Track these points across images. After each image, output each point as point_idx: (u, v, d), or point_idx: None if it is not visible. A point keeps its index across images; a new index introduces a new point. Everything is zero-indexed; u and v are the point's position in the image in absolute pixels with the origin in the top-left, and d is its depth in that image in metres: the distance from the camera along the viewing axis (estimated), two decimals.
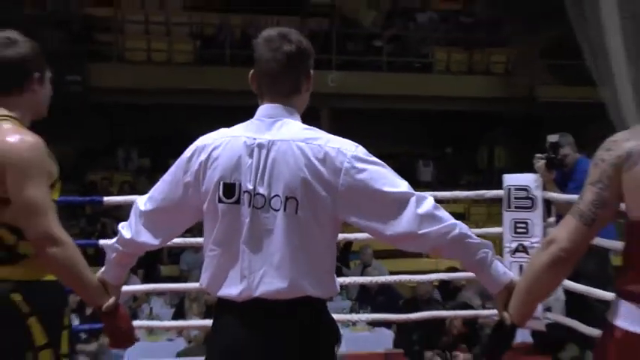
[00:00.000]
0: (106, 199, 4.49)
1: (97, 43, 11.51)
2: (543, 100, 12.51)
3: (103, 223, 9.73)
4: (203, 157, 1.83)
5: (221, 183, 1.81)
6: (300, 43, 1.83)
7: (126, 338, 2.18)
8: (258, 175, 1.80)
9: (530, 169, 4.87)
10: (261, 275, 1.82)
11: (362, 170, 1.75)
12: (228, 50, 11.81)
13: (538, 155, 4.66)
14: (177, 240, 3.92)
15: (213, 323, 1.98)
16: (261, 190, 1.80)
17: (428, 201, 1.81)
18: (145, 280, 8.12)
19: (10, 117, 2.13)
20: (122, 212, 9.21)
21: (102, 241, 3.42)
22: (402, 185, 1.78)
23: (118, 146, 12.69)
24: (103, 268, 2.06)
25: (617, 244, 4.24)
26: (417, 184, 9.15)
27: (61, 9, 11.63)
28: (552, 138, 4.36)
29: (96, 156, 11.84)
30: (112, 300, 2.05)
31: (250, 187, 1.80)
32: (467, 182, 12.64)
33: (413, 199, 1.78)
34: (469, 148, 14.58)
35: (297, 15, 12.51)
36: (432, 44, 13.16)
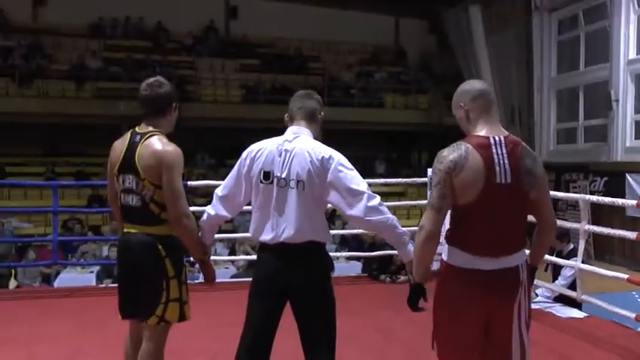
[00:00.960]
0: (189, 183, 5.48)
1: (185, 91, 14.86)
2: (447, 124, 15.10)
3: (188, 197, 13.36)
4: (252, 155, 2.53)
5: (262, 171, 2.47)
6: (319, 98, 2.61)
7: (212, 278, 2.82)
8: (284, 167, 2.47)
9: None
10: (283, 228, 2.45)
11: (341, 171, 2.41)
12: (261, 96, 16.16)
13: None
14: None
15: (257, 258, 2.63)
16: (284, 176, 2.46)
17: (376, 199, 2.40)
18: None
19: (159, 132, 2.68)
20: (198, 191, 12.83)
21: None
22: (363, 186, 2.40)
23: (196, 152, 16.19)
24: (199, 234, 2.63)
25: None
26: (375, 175, 14.62)
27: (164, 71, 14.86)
28: None
29: (184, 157, 15.96)
30: (207, 255, 2.75)
31: (278, 174, 2.46)
32: (405, 174, 13.84)
33: (366, 196, 2.39)
34: (406, 153, 18.70)
35: (303, 74, 17.15)
36: (384, 92, 17.36)
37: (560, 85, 14.38)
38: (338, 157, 2.48)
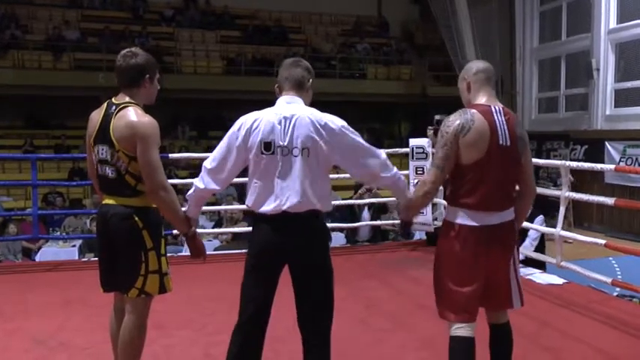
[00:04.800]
0: (170, 155, 5.82)
1: (164, 62, 14.85)
2: (431, 94, 16.41)
3: (169, 170, 11.79)
4: (247, 126, 2.48)
5: (262, 142, 2.43)
6: (307, 65, 2.61)
7: (199, 253, 2.74)
8: (285, 135, 2.44)
9: (424, 135, 5.91)
10: (287, 197, 2.44)
11: (346, 133, 2.46)
12: (242, 67, 16.13)
13: (429, 127, 5.56)
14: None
15: (254, 229, 2.56)
16: (287, 144, 2.43)
17: (384, 155, 2.53)
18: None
19: (134, 103, 2.65)
20: (180, 164, 12.92)
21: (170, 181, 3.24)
22: (369, 145, 2.51)
23: (177, 124, 16.32)
24: (185, 208, 2.62)
25: None
26: None
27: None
28: (438, 116, 4.88)
29: (164, 129, 15.98)
30: (192, 228, 2.66)
31: (281, 142, 2.43)
32: (387, 144, 15.64)
33: (377, 153, 2.50)
34: (388, 123, 18.64)
35: (284, 46, 17.08)
36: (366, 62, 17.38)
37: (542, 55, 14.47)
38: (339, 120, 2.51)
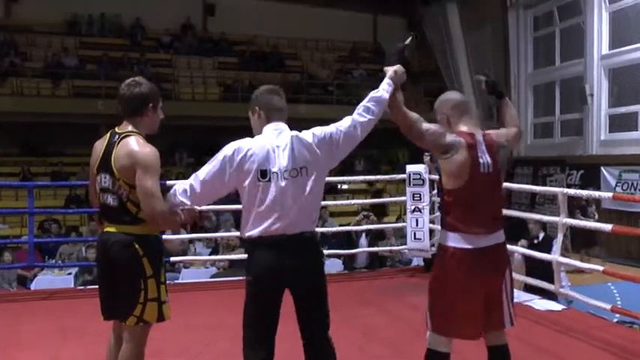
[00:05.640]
0: (168, 182, 5.19)
1: (162, 89, 13.47)
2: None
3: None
4: (242, 154, 2.52)
5: (259, 170, 2.51)
6: (284, 96, 2.70)
7: (195, 222, 4.12)
8: (281, 161, 2.54)
9: (420, 161, 6.03)
10: (283, 221, 2.52)
11: (319, 131, 2.60)
12: (239, 93, 15.77)
13: (425, 154, 5.76)
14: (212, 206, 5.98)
15: (251, 255, 2.59)
16: (282, 169, 2.53)
17: (347, 118, 2.63)
18: (190, 232, 8.95)
19: (136, 132, 2.69)
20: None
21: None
22: (332, 126, 2.61)
23: (175, 151, 16.21)
24: (169, 205, 2.60)
25: None
26: (354, 172, 14.75)
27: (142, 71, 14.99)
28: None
29: (162, 156, 15.94)
30: (181, 216, 2.66)
31: (275, 170, 2.52)
32: (384, 170, 15.83)
33: (344, 120, 2.63)
34: (386, 150, 18.26)
35: (281, 72, 17.19)
36: (362, 89, 16.06)
37: (537, 80, 14.61)
38: (312, 131, 2.63)
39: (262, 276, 2.54)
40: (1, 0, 16.86)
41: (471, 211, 2.62)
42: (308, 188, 2.56)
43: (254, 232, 2.54)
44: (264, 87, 2.75)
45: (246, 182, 2.53)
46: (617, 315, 5.06)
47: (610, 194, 5.64)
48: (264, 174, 2.52)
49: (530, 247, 6.30)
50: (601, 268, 4.76)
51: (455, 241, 2.64)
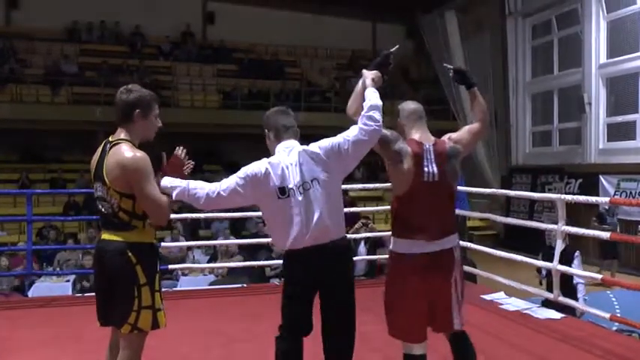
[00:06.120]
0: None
1: (161, 97, 12.88)
2: None
3: None
4: (265, 173, 2.74)
5: (277, 188, 2.72)
6: (292, 114, 2.91)
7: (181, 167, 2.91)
8: (295, 176, 2.73)
9: None
10: (313, 230, 2.69)
11: (325, 143, 2.74)
12: (239, 101, 16.18)
13: None
14: (209, 214, 6.08)
15: (287, 263, 2.83)
16: (298, 185, 2.72)
17: (352, 127, 2.75)
18: (189, 239, 10.08)
19: (126, 140, 2.71)
20: None
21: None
22: (340, 136, 2.74)
23: None
24: (170, 185, 2.72)
25: (469, 213, 6.18)
26: (353, 180, 14.76)
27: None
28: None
29: (161, 163, 16.07)
30: (172, 184, 2.74)
31: (291, 186, 2.72)
32: (382, 178, 13.70)
33: (349, 130, 2.75)
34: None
35: (280, 80, 17.27)
36: None
37: (535, 88, 14.66)
38: (317, 142, 2.78)
39: (298, 285, 2.76)
40: (1, 7, 16.91)
41: (414, 218, 2.72)
42: (325, 197, 2.71)
43: (284, 246, 2.75)
44: (273, 109, 2.95)
45: (268, 200, 2.73)
46: (616, 324, 5.05)
47: (607, 199, 5.64)
48: (282, 191, 2.71)
49: (548, 258, 6.16)
50: (599, 276, 4.74)
51: (399, 246, 2.76)
